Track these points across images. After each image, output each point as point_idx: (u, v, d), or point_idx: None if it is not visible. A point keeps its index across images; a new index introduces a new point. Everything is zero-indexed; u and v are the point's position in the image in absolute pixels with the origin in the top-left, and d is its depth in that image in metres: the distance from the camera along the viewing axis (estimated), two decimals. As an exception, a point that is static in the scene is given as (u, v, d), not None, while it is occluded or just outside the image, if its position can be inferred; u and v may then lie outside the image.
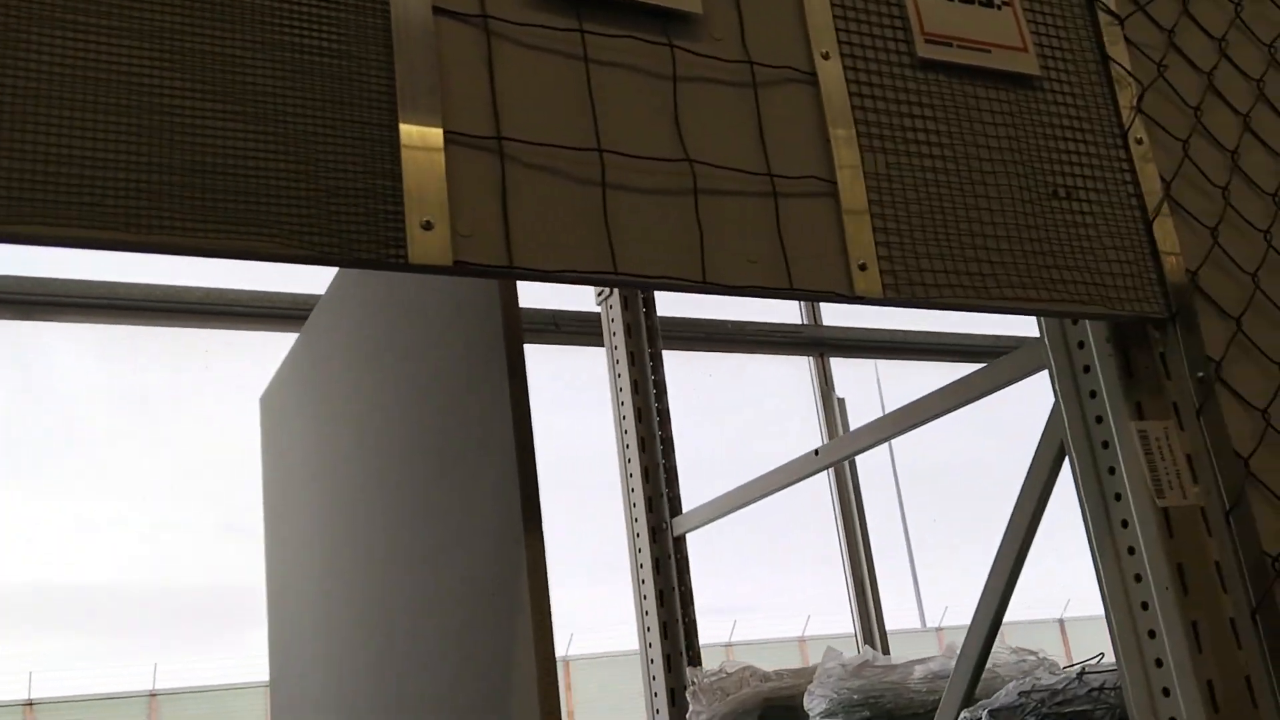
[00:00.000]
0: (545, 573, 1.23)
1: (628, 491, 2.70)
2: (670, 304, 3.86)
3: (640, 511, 2.64)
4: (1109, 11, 1.67)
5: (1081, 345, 1.60)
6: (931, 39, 1.51)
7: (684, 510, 2.67)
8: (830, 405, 4.06)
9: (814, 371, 4.20)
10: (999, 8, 1.58)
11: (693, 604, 2.62)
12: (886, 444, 2.13)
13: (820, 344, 4.21)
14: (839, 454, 2.14)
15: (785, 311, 4.25)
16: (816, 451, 2.17)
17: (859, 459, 3.88)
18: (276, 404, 2.26)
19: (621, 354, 2.73)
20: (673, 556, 2.61)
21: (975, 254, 1.43)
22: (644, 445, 2.67)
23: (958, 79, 1.52)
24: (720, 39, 1.37)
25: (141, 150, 1.04)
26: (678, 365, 3.95)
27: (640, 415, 2.68)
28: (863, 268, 1.35)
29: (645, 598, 2.60)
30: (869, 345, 4.30)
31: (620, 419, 2.74)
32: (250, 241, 1.06)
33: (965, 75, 1.52)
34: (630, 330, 2.76)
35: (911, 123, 1.46)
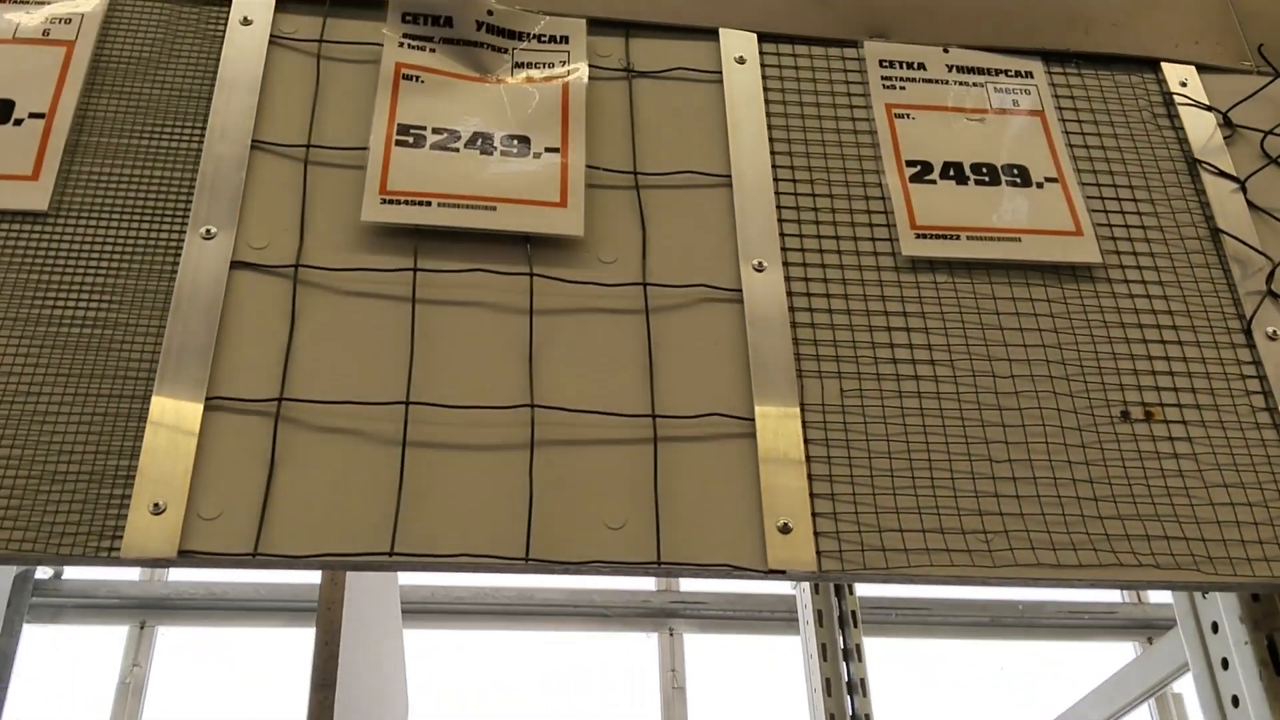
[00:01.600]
0: None
1: (824, 821, 2.24)
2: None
3: None
4: (1223, 174, 1.26)
5: (1216, 629, 1.11)
6: (926, 233, 1.18)
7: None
8: (1165, 704, 3.30)
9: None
10: (1040, 186, 1.23)
11: None
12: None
13: (1148, 626, 3.50)
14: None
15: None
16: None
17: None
18: None
19: (813, 647, 2.34)
20: None
21: (979, 505, 1.03)
22: (838, 762, 2.22)
23: (966, 278, 1.16)
24: (611, 262, 1.13)
25: None
26: (955, 654, 3.41)
27: (833, 724, 2.25)
28: (785, 529, 1.00)
29: None
30: (1218, 627, 3.52)
31: (814, 728, 2.32)
32: (-82, 539, 0.91)
33: (979, 272, 1.17)
34: (821, 618, 2.37)
35: (888, 337, 1.12)
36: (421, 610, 3.12)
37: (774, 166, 1.20)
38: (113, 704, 3.01)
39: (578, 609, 3.25)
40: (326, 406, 1.01)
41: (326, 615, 1.06)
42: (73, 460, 0.96)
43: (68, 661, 3.12)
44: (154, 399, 0.99)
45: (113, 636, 3.13)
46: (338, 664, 1.04)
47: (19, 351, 1.01)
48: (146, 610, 3.17)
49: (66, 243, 1.07)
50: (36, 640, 3.09)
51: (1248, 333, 1.17)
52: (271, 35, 1.22)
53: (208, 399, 1.00)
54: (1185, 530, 1.04)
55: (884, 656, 3.04)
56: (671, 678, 3.16)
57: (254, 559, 0.94)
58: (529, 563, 0.96)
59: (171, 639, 3.17)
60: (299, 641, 3.22)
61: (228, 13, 1.23)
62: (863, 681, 2.32)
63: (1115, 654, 3.46)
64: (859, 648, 2.35)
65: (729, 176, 1.19)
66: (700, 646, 3.23)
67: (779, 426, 1.05)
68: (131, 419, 0.99)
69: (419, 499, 0.98)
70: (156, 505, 0.94)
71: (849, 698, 2.31)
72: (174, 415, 0.98)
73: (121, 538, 0.93)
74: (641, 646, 3.25)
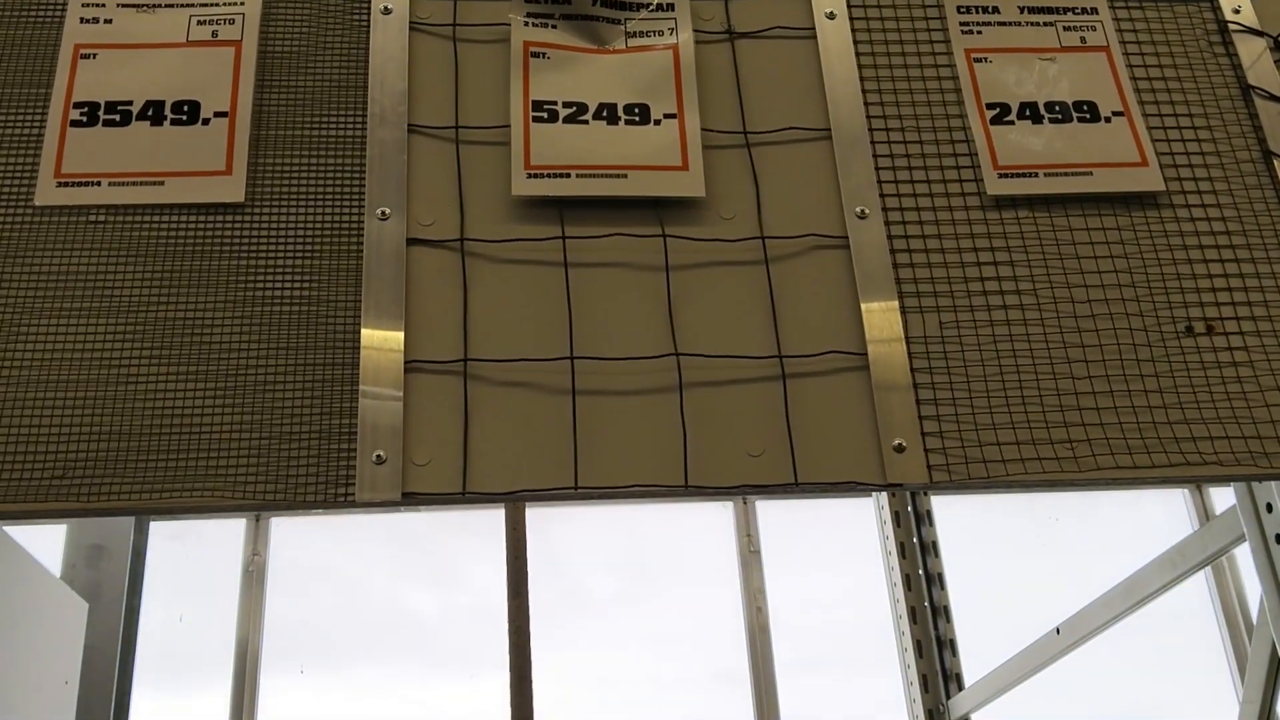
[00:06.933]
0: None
1: (904, 668, 2.48)
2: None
3: (917, 692, 2.41)
4: (1273, 98, 1.38)
5: (1270, 509, 1.29)
6: (1007, 172, 1.32)
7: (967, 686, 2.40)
8: (1220, 569, 3.48)
9: (1192, 508, 3.67)
10: (1108, 120, 1.36)
11: (983, 796, 2.33)
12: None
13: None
14: (1083, 630, 1.85)
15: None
16: (1058, 630, 1.88)
17: None
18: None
19: (886, 514, 2.55)
20: (953, 742, 2.35)
21: (1064, 417, 1.21)
22: (915, 616, 2.45)
23: (1044, 212, 1.31)
24: (730, 218, 1.28)
25: (100, 422, 1.13)
26: (1018, 510, 3.62)
27: (909, 583, 2.47)
28: (900, 449, 1.17)
29: (928, 788, 2.35)
30: None
31: (891, 587, 2.54)
32: (192, 497, 1.11)
33: (1056, 206, 1.31)
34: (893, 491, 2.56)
35: (979, 271, 1.27)
36: (515, 493, 3.35)
37: (868, 117, 1.34)
38: (239, 591, 3.29)
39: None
40: (504, 364, 1.19)
41: (513, 534, 1.26)
42: (300, 422, 1.15)
43: (194, 554, 3.39)
44: (361, 365, 1.17)
45: (232, 529, 3.40)
46: (528, 574, 1.24)
47: (238, 331, 1.19)
48: (262, 507, 3.42)
49: (264, 230, 1.24)
50: (162, 535, 3.36)
51: (1298, 247, 1.31)
52: (410, 22, 1.36)
53: (406, 362, 1.18)
54: (1244, 430, 1.21)
55: (948, 515, 3.25)
56: (747, 542, 3.40)
57: (464, 497, 1.13)
58: (688, 489, 1.15)
59: (285, 529, 3.44)
60: (395, 524, 3.47)
61: (369, 3, 1.37)
62: (935, 544, 2.53)
63: (1165, 500, 3.66)
64: (930, 513, 2.56)
65: (828, 129, 1.33)
66: (774, 512, 3.46)
67: (888, 359, 1.22)
68: (344, 383, 1.17)
69: (591, 439, 1.16)
70: (379, 456, 1.13)
71: (921, 559, 2.52)
72: (380, 379, 1.16)
73: (353, 484, 1.12)
74: (718, 515, 3.49)
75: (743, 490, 1.16)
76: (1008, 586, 3.29)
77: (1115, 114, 1.36)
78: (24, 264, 1.20)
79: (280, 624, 3.32)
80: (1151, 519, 3.65)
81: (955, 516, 3.26)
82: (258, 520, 3.42)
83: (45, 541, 3.15)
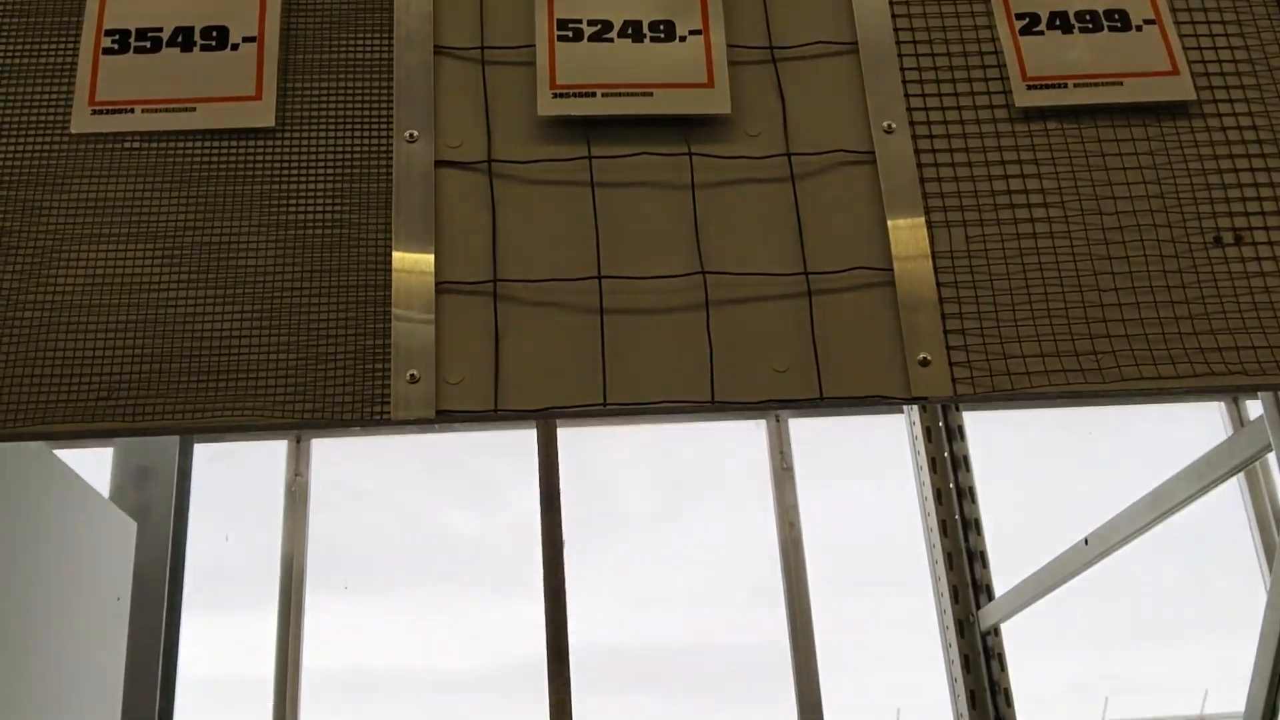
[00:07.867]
0: None
1: (934, 580, 2.51)
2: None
3: (947, 603, 2.45)
4: (1310, 1, 1.36)
5: (1297, 417, 1.30)
6: (1036, 83, 1.31)
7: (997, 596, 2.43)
8: (1254, 476, 3.48)
9: (1228, 419, 3.66)
10: (1139, 29, 1.34)
11: (1012, 702, 2.37)
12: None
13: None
14: (1111, 540, 1.86)
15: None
16: (1086, 540, 1.90)
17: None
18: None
19: (918, 430, 2.57)
20: (983, 653, 2.38)
21: (1089, 329, 1.21)
22: (945, 529, 2.48)
23: (1073, 123, 1.30)
24: (756, 135, 1.28)
25: (142, 344, 1.16)
26: (1051, 424, 3.63)
27: (940, 496, 2.50)
28: (924, 363, 1.19)
29: (958, 697, 2.40)
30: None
31: (923, 500, 2.57)
32: (234, 416, 1.14)
33: (1085, 117, 1.30)
34: (923, 405, 2.58)
35: (1005, 184, 1.27)
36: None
37: (896, 29, 1.33)
38: (283, 510, 3.37)
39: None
40: (533, 284, 1.21)
41: (545, 451, 1.29)
42: (335, 343, 1.18)
43: (237, 475, 3.47)
44: (393, 286, 1.19)
45: (273, 450, 3.47)
46: (560, 490, 1.27)
47: (273, 254, 1.21)
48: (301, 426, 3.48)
49: (295, 154, 1.25)
50: (206, 457, 3.44)
51: (1330, 155, 1.30)
52: (434, -59, 1.35)
53: (437, 283, 1.20)
54: (1270, 339, 1.21)
55: (979, 429, 3.27)
56: (780, 460, 3.44)
57: (496, 414, 1.16)
58: (715, 404, 1.17)
59: (325, 449, 3.50)
60: (431, 446, 3.53)
61: (391, -78, 1.36)
62: (966, 458, 2.55)
63: (1201, 412, 3.65)
64: (961, 428, 2.57)
65: (855, 43, 1.33)
66: (806, 430, 3.48)
67: (915, 274, 1.22)
68: (377, 305, 1.19)
69: (619, 356, 1.18)
70: (412, 375, 1.16)
71: (953, 473, 2.54)
72: (412, 300, 1.19)
73: (389, 403, 1.15)
74: (751, 433, 3.52)
75: (768, 405, 1.17)
76: (1040, 500, 3.31)
77: (1146, 22, 1.35)
78: (63, 191, 1.22)
79: (323, 543, 3.40)
80: (1187, 431, 3.64)
81: (987, 431, 3.27)
82: (298, 442, 3.48)
83: (94, 465, 3.24)
